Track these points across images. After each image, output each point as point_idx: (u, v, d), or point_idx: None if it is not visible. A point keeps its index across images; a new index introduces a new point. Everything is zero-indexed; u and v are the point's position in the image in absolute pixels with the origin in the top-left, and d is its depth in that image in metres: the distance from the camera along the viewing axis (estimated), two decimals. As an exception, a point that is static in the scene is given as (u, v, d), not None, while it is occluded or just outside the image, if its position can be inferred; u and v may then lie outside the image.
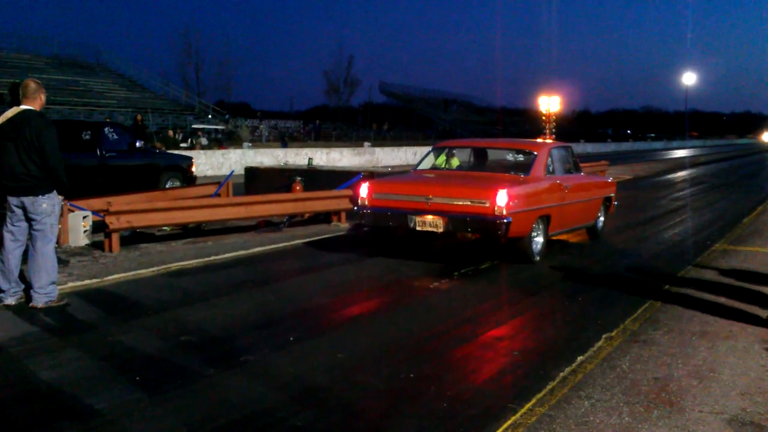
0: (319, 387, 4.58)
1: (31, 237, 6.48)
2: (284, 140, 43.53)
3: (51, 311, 6.28)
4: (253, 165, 17.44)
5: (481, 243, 9.90)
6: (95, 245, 9.38)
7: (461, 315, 6.52)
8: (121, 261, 8.60)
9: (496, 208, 7.97)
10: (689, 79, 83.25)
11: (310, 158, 19.52)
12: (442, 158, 10.43)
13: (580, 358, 5.14)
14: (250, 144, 36.49)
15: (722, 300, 6.91)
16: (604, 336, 5.71)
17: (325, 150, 34.11)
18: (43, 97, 6.47)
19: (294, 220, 12.10)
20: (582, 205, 9.98)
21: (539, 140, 12.38)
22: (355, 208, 9.42)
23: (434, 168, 10.11)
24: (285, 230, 11.36)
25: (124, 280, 7.67)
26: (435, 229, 8.43)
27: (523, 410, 4.19)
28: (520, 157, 9.91)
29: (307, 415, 4.14)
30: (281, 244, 10.08)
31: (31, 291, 6.37)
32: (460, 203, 8.36)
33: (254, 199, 11.47)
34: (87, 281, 7.49)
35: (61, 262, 7.84)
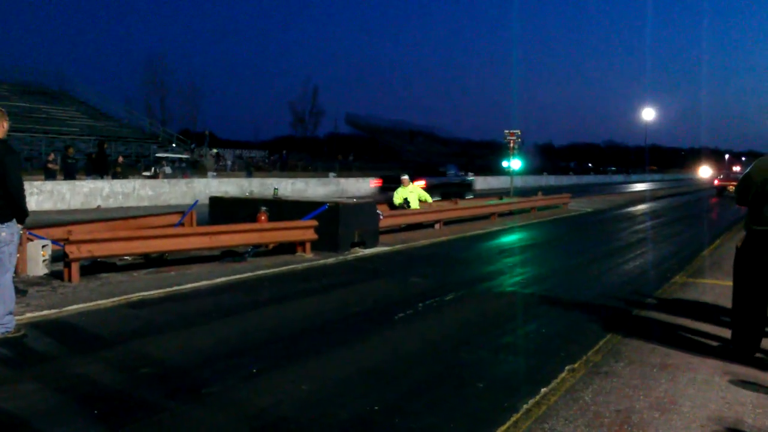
0: (283, 419, 4.53)
1: (-12, 266, 6.34)
2: (249, 170, 43.41)
3: (7, 342, 6.14)
4: (217, 194, 17.30)
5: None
6: (54, 275, 9.20)
7: (425, 346, 6.51)
8: (81, 291, 8.45)
9: None
10: (649, 114, 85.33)
11: (275, 188, 19.43)
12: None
13: (543, 390, 5.17)
14: (215, 173, 36.31)
15: (682, 332, 7.02)
16: (567, 368, 5.75)
17: (290, 180, 34.09)
18: (5, 124, 6.38)
19: (258, 251, 12.03)
20: None
21: None
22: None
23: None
24: (249, 260, 11.28)
25: (83, 310, 7.52)
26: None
27: (487, 443, 4.18)
28: None
29: (270, 448, 4.08)
30: (245, 275, 10.00)
31: (-13, 322, 6.21)
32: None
33: (219, 229, 11.37)
34: (45, 312, 7.34)
35: (19, 292, 7.67)
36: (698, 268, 11.64)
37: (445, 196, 23.11)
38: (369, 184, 30.45)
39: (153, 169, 35.33)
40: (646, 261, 12.58)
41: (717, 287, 9.42)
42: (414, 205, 17.79)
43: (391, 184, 23.85)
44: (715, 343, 6.48)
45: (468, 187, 28.36)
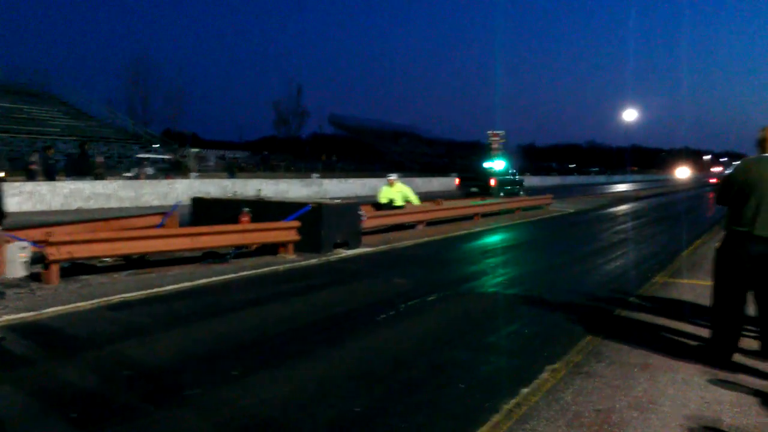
0: (266, 420, 4.51)
1: (-35, 268, 6.28)
2: (232, 170, 43.23)
3: (-15, 345, 6.07)
4: (200, 195, 17.21)
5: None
6: (33, 277, 9.11)
7: (407, 346, 6.51)
8: (60, 293, 8.37)
9: None
10: (630, 115, 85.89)
11: (258, 189, 19.40)
12: None
13: (524, 391, 5.18)
14: (198, 174, 36.15)
15: (662, 332, 7.07)
16: (548, 368, 5.78)
17: (273, 181, 34.00)
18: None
19: (241, 252, 11.98)
20: None
21: None
22: None
23: None
24: (231, 262, 11.24)
25: (62, 312, 7.45)
26: None
27: (468, 444, 4.19)
28: None
29: (251, 451, 4.06)
30: (227, 276, 9.96)
31: (-36, 324, 6.14)
32: None
33: (201, 230, 11.31)
34: (23, 314, 7.27)
35: (-3, 295, 7.59)
36: (678, 268, 11.72)
37: (507, 193, 29.25)
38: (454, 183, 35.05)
39: (135, 170, 35.12)
40: (627, 261, 12.65)
41: (697, 287, 9.50)
42: (399, 205, 17.81)
43: (467, 182, 30.66)
44: (694, 343, 6.53)
45: (521, 184, 32.43)
